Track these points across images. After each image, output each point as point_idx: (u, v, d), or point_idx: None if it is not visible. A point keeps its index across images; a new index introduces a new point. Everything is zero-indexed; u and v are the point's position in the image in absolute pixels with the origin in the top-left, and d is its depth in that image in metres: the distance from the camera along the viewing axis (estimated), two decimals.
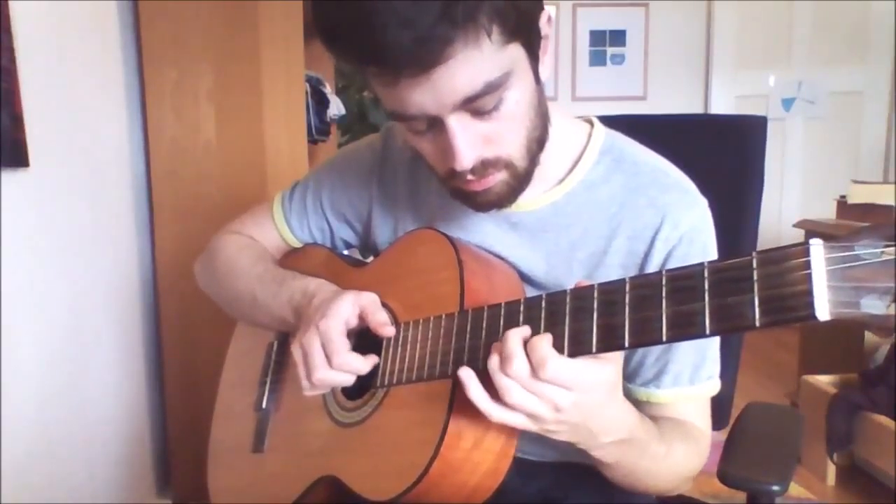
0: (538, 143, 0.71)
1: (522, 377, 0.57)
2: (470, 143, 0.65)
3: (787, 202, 3.74)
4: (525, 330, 0.60)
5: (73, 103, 1.40)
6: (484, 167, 0.67)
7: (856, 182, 2.58)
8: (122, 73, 1.62)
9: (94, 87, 1.49)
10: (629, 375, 0.79)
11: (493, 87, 0.62)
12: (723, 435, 0.92)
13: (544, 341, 0.58)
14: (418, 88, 0.61)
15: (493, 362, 0.59)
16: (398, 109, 0.64)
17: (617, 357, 0.60)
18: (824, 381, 2.10)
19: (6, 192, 1.17)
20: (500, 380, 0.58)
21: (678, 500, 1.01)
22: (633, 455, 0.69)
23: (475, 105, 0.63)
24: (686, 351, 0.76)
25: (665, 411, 0.78)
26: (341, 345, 0.71)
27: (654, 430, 0.71)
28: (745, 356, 1.07)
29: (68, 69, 1.39)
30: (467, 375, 0.61)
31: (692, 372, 0.77)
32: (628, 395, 0.80)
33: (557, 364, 0.57)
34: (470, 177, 0.67)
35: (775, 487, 0.78)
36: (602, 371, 0.59)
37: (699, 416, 0.79)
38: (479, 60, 0.60)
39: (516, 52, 0.63)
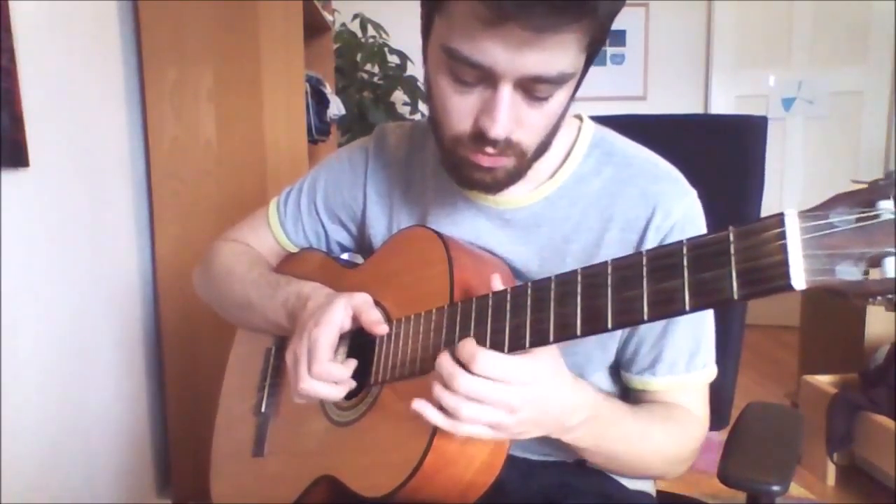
0: (545, 148, 0.73)
1: (471, 388, 0.60)
2: (511, 116, 0.66)
3: (787, 202, 3.73)
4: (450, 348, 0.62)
5: (73, 103, 1.40)
6: (506, 145, 0.68)
7: (856, 182, 2.57)
8: (122, 73, 1.62)
9: (94, 87, 1.49)
10: (626, 364, 0.80)
11: (560, 80, 0.64)
12: (723, 435, 0.92)
13: (468, 342, 0.61)
14: (510, 43, 0.60)
15: (436, 390, 0.61)
16: (465, 51, 0.63)
17: (549, 349, 0.62)
18: (824, 381, 2.10)
19: (6, 192, 1.17)
20: (448, 400, 0.60)
21: (679, 499, 1.01)
22: (606, 433, 0.70)
23: (536, 87, 0.64)
24: (681, 338, 0.77)
25: (662, 399, 0.79)
26: (323, 353, 0.71)
27: (623, 409, 0.73)
28: (745, 356, 1.07)
29: (68, 69, 1.39)
30: (421, 406, 0.62)
31: (687, 359, 0.78)
32: (626, 383, 0.81)
33: (486, 357, 0.59)
34: (489, 149, 0.68)
35: (776, 487, 0.78)
36: (535, 362, 0.61)
37: (696, 403, 0.80)
38: (570, 50, 0.63)
39: (581, 62, 0.66)
